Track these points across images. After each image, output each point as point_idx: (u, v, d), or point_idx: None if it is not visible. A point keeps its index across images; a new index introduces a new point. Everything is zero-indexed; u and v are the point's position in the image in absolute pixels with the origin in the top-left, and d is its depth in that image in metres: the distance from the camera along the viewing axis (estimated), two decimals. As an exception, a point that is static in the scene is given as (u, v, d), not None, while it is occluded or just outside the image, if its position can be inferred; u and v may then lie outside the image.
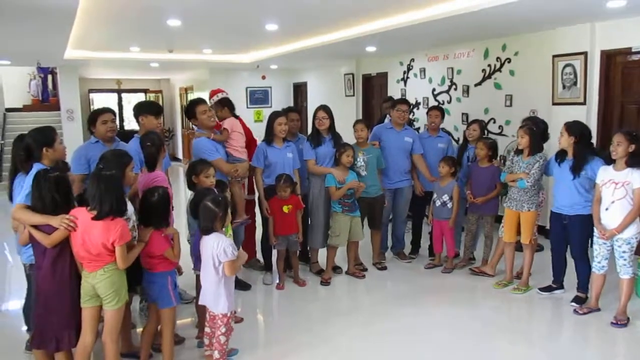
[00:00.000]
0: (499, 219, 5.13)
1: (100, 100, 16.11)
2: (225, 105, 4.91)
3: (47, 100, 13.91)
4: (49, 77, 13.96)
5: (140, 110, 4.23)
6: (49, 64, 12.05)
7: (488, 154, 5.09)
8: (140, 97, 16.80)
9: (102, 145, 4.02)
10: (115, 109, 16.77)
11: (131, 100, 17.12)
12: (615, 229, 3.95)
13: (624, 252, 3.98)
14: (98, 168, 2.98)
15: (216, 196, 3.35)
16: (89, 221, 2.85)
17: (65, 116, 11.49)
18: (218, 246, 3.19)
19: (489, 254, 5.26)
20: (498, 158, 5.31)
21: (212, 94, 5.07)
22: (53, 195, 2.88)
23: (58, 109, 12.77)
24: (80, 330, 2.98)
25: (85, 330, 2.94)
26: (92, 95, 15.80)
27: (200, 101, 4.61)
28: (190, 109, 4.57)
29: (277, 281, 4.99)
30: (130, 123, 17.03)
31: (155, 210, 3.17)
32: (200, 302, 3.44)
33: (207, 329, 3.43)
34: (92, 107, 15.90)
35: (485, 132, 7.21)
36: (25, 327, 3.78)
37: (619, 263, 4.02)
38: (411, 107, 7.50)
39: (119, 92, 16.45)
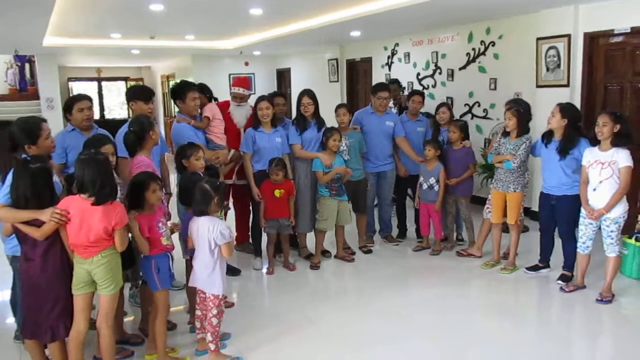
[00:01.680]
0: (475, 200, 5.19)
1: (80, 89, 15.82)
2: (200, 91, 4.81)
3: (25, 89, 13.60)
4: (27, 65, 13.67)
5: (130, 95, 4.19)
6: (27, 52, 11.79)
7: (461, 136, 5.15)
8: (121, 86, 16.63)
9: (78, 133, 3.89)
10: (96, 97, 16.55)
11: (111, 89, 16.91)
12: (604, 209, 4.00)
13: (612, 231, 4.05)
14: (92, 153, 2.93)
15: (214, 180, 3.34)
16: (87, 208, 2.80)
17: (45, 105, 11.30)
18: (214, 229, 3.18)
19: (472, 236, 5.33)
20: (470, 139, 5.36)
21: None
22: (35, 188, 2.77)
23: (37, 98, 12.52)
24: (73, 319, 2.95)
25: (78, 317, 2.90)
26: (71, 83, 15.56)
27: (192, 86, 4.55)
28: (181, 92, 4.50)
29: (267, 266, 5.00)
30: (111, 112, 16.84)
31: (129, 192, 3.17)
32: (190, 284, 3.43)
33: (197, 312, 3.43)
34: (71, 95, 15.64)
35: (470, 115, 7.30)
36: (12, 319, 3.72)
37: (607, 242, 4.09)
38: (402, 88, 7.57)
39: (99, 80, 16.21)
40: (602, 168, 3.98)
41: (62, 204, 2.84)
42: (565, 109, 4.30)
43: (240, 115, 5.04)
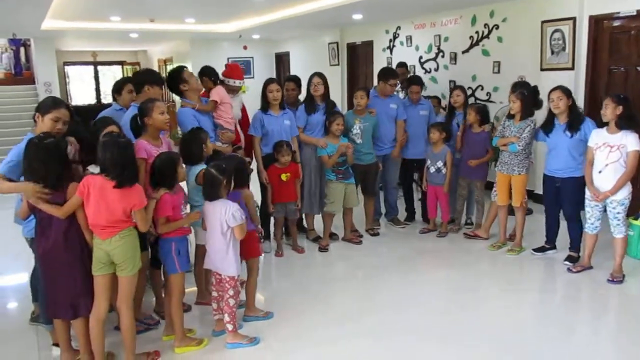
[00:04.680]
0: (489, 185, 5.24)
1: (77, 73, 15.69)
2: (205, 74, 4.68)
3: (20, 73, 13.47)
4: (22, 49, 13.52)
5: (145, 79, 4.08)
6: (25, 36, 11.67)
7: (477, 119, 5.15)
8: (117, 70, 16.47)
9: (124, 112, 3.95)
10: (92, 82, 16.42)
11: (106, 74, 16.74)
12: (609, 191, 4.05)
13: (618, 213, 4.10)
14: (114, 136, 2.94)
15: (220, 163, 3.34)
16: (106, 188, 2.82)
17: (42, 89, 11.19)
18: (226, 212, 3.20)
19: (481, 219, 5.38)
20: (489, 123, 5.37)
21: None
22: (46, 164, 2.76)
23: (32, 82, 12.43)
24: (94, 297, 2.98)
25: (98, 298, 2.93)
26: (67, 68, 15.38)
27: (184, 67, 4.42)
28: (177, 76, 4.29)
29: (276, 249, 5.03)
30: (107, 97, 16.68)
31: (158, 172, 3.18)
32: (205, 267, 3.48)
33: (214, 293, 3.46)
34: (67, 80, 15.52)
35: (473, 99, 7.31)
36: (28, 301, 3.72)
37: (613, 224, 4.15)
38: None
39: (95, 64, 16.06)
40: (611, 151, 4.02)
41: (84, 182, 2.86)
42: (567, 90, 4.37)
43: (235, 106, 4.88)
